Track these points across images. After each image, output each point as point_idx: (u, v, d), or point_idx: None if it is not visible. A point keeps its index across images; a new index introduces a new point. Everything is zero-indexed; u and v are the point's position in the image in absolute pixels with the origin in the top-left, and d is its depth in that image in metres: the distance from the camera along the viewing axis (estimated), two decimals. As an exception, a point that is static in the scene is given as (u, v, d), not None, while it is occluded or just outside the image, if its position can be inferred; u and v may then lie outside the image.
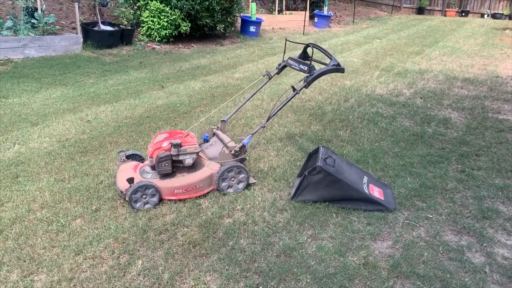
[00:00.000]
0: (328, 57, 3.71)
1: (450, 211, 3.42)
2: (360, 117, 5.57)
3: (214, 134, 4.03)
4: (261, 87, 4.20)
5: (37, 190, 3.48)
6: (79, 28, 8.20)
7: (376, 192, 3.52)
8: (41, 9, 7.83)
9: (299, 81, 3.70)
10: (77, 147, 4.29)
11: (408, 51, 10.65)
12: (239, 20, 11.99)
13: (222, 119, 4.08)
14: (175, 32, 9.55)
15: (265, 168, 4.06)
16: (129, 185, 3.26)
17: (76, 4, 8.13)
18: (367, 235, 3.08)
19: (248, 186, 3.65)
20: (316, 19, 14.97)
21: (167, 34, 9.43)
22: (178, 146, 3.38)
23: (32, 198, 3.35)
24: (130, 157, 3.79)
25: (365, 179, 3.63)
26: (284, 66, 4.03)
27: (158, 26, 9.28)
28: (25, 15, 7.61)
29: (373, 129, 5.16)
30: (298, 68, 3.76)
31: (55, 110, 5.28)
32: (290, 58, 3.92)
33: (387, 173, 4.02)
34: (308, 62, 3.77)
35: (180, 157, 3.43)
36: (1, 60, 6.84)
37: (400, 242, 3.02)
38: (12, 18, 7.51)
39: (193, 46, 9.99)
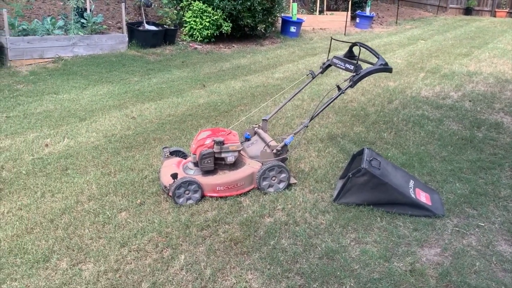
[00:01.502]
0: (376, 56, 3.61)
1: (504, 220, 3.23)
2: (405, 119, 5.39)
3: (255, 132, 4.03)
4: (304, 87, 4.16)
5: (85, 182, 3.60)
6: (125, 28, 8.45)
7: (423, 197, 3.39)
8: (90, 9, 8.14)
9: (344, 80, 3.62)
10: (122, 143, 4.41)
11: (455, 52, 10.23)
12: (280, 20, 11.97)
13: (263, 118, 4.06)
14: (217, 32, 9.66)
15: (306, 168, 4.01)
16: (173, 180, 3.30)
17: (122, 5, 8.39)
18: (413, 241, 2.96)
19: (288, 186, 3.61)
20: (357, 20, 14.70)
21: (209, 34, 9.55)
22: (220, 143, 3.40)
23: (80, 190, 3.47)
24: (174, 153, 3.85)
25: (412, 183, 3.50)
26: (329, 65, 3.97)
27: (200, 26, 9.42)
28: (75, 15, 7.93)
29: (418, 132, 4.98)
30: (344, 67, 3.68)
31: (101, 106, 5.47)
32: (335, 57, 3.85)
33: (434, 178, 3.86)
34: (354, 61, 3.70)
35: (223, 155, 3.45)
36: (52, 58, 7.16)
37: (449, 250, 2.88)
38: (63, 18, 7.86)
39: (233, 46, 10.06)
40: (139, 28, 8.74)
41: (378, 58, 3.58)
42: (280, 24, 11.98)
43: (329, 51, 3.99)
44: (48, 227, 2.98)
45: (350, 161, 3.75)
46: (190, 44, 9.55)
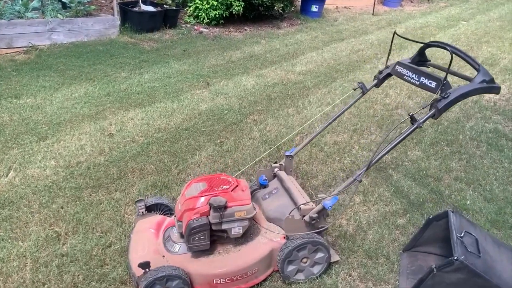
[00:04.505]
0: (474, 67, 2.21)
1: None
2: (475, 138, 4.00)
3: (275, 175, 2.72)
4: (349, 106, 2.80)
5: (17, 257, 2.36)
6: (116, 9, 7.07)
7: (548, 299, 2.07)
8: (76, -13, 6.76)
9: (423, 107, 2.22)
10: (88, 178, 3.14)
11: (507, 37, 8.64)
12: (299, -2, 10.43)
13: (286, 154, 2.74)
14: (226, 13, 8.21)
15: (349, 228, 2.71)
16: (143, 271, 2.04)
17: (113, -20, 7.00)
18: None
19: (328, 266, 2.32)
20: (386, -3, 13.02)
21: (217, 15, 8.12)
22: (221, 209, 2.11)
23: (4, 278, 2.23)
24: (153, 208, 2.58)
25: (525, 270, 2.17)
26: (389, 75, 2.59)
27: (207, 6, 7.98)
28: (56, -7, 6.59)
29: (499, 159, 3.61)
30: (418, 83, 2.29)
31: (72, 116, 4.18)
32: (399, 63, 2.45)
33: (550, 252, 2.52)
34: (429, 70, 2.34)
35: (224, 226, 2.16)
36: (24, 47, 5.86)
37: None
38: (40, -3, 6.52)
39: (245, 30, 8.62)
40: (134, 9, 7.35)
41: (478, 70, 2.18)
42: (299, 3, 10.43)
43: (389, 51, 2.58)
44: None
45: (423, 227, 2.43)
46: (195, 27, 8.14)
